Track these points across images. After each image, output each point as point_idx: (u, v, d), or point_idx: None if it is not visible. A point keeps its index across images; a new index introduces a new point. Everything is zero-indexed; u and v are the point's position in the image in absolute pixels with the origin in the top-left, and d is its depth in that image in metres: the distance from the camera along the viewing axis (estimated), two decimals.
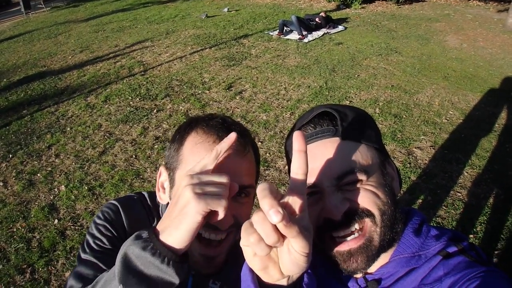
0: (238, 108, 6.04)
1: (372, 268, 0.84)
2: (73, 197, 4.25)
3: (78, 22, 13.05)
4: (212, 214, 0.70)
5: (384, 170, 0.87)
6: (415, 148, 4.83)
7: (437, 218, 3.72)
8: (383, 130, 5.20)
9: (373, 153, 0.85)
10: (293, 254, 0.57)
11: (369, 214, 0.79)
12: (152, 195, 1.11)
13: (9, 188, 4.49)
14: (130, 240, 0.71)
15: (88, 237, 1.00)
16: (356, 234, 0.80)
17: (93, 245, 0.97)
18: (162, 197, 0.99)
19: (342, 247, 0.80)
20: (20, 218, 3.99)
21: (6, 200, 4.27)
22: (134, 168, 4.70)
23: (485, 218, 3.70)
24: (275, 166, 4.59)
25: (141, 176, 4.53)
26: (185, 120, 1.05)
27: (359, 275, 0.86)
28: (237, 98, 6.39)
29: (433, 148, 4.82)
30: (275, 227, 0.54)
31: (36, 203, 4.20)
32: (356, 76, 7.08)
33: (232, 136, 0.76)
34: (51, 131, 5.67)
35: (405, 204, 3.87)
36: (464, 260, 0.76)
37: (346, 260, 0.80)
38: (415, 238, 0.84)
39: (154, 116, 5.93)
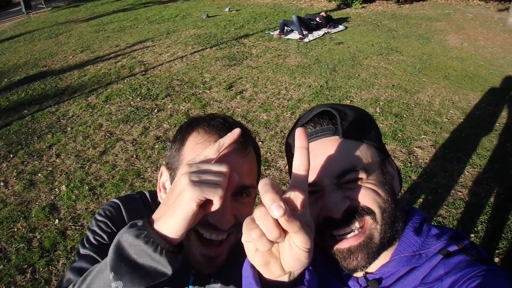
0: (238, 108, 6.04)
1: (373, 267, 0.84)
2: (73, 197, 4.25)
3: (79, 22, 13.06)
4: (208, 204, 0.69)
5: (384, 169, 0.87)
6: (416, 147, 4.83)
7: (438, 217, 3.71)
8: (384, 129, 5.20)
9: (373, 152, 0.85)
10: (294, 250, 0.57)
11: (370, 211, 0.79)
12: (153, 194, 1.11)
13: (10, 188, 4.49)
14: (124, 229, 0.70)
15: (88, 233, 1.00)
16: (356, 232, 0.80)
17: (93, 240, 0.97)
18: (163, 197, 0.99)
19: (342, 245, 0.80)
20: (21, 218, 3.99)
21: (6, 200, 4.27)
22: (135, 168, 4.70)
23: (486, 217, 3.69)
24: (276, 165, 4.59)
25: (141, 176, 4.53)
26: (186, 120, 1.05)
27: (359, 274, 0.86)
28: (238, 97, 6.39)
29: (434, 148, 4.82)
30: (277, 222, 0.54)
31: (37, 203, 4.20)
32: (356, 75, 7.08)
33: (236, 131, 0.76)
34: (52, 131, 5.67)
35: (406, 203, 3.87)
36: (464, 259, 0.76)
37: (346, 258, 0.80)
38: (416, 237, 0.84)
39: (155, 116, 5.93)
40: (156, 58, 8.59)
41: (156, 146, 5.12)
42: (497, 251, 3.33)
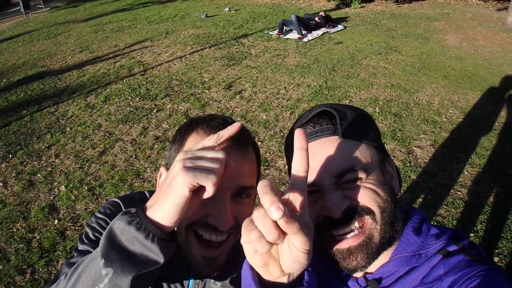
0: (238, 108, 6.04)
1: (373, 267, 0.84)
2: (73, 197, 4.25)
3: (78, 22, 13.05)
4: (201, 191, 0.68)
5: (384, 169, 0.87)
6: (415, 147, 4.83)
7: (438, 217, 3.72)
8: (383, 129, 5.20)
9: (372, 152, 0.85)
10: (293, 251, 0.57)
11: (369, 211, 0.79)
12: (153, 194, 1.10)
13: (9, 188, 4.49)
14: (118, 216, 0.70)
15: (87, 229, 0.99)
16: (356, 232, 0.80)
17: (92, 237, 0.97)
18: None
19: (342, 245, 0.80)
20: (20, 219, 3.99)
21: (6, 201, 4.27)
22: (134, 168, 4.70)
23: (486, 217, 3.70)
24: (275, 165, 4.59)
25: (141, 176, 4.53)
26: (185, 121, 1.05)
27: (359, 274, 0.86)
28: (237, 97, 6.39)
29: (433, 147, 4.82)
30: (276, 224, 0.54)
31: (36, 204, 4.20)
32: (355, 75, 7.08)
33: (236, 125, 0.75)
34: (51, 131, 5.67)
35: (405, 203, 3.87)
36: (464, 259, 0.76)
37: (345, 258, 0.80)
38: (415, 237, 0.84)
39: (154, 116, 5.93)
40: (155, 58, 8.59)
41: (156, 146, 5.11)
42: (496, 251, 3.33)
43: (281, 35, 9.67)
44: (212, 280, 0.96)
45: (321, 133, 0.85)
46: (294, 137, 0.62)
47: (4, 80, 7.99)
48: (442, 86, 6.54)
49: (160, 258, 0.67)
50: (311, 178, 0.81)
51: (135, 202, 1.08)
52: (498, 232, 3.52)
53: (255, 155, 0.98)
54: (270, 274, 0.63)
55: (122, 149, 5.10)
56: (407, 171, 4.36)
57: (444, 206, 3.86)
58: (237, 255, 0.94)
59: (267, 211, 0.52)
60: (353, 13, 12.09)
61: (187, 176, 0.64)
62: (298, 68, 7.50)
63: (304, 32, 9.58)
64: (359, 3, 12.62)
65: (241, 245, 0.62)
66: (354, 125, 0.85)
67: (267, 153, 4.81)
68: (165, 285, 0.98)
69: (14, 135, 5.67)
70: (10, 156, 5.11)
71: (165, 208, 0.66)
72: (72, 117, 6.09)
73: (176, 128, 1.13)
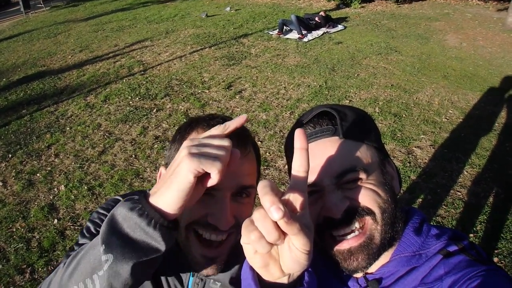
0: (237, 108, 6.04)
1: (373, 268, 0.84)
2: (72, 196, 4.25)
3: (78, 22, 13.05)
4: (206, 178, 0.68)
5: (384, 169, 0.87)
6: (415, 147, 4.84)
7: (437, 217, 3.72)
8: (383, 129, 5.20)
9: (372, 152, 0.85)
10: (294, 252, 0.57)
11: (370, 212, 0.79)
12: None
13: (9, 188, 4.48)
14: (120, 202, 0.69)
15: (88, 224, 0.99)
16: (357, 232, 0.80)
17: (93, 231, 0.97)
18: None
19: (342, 246, 0.80)
20: (20, 218, 3.99)
21: (5, 200, 4.26)
22: (134, 167, 4.69)
23: (485, 217, 3.70)
24: (275, 165, 4.59)
25: (140, 176, 4.52)
26: (185, 120, 1.05)
27: (359, 275, 0.86)
28: (237, 97, 6.39)
29: (433, 147, 4.82)
30: (276, 224, 0.53)
31: (36, 203, 4.20)
32: (355, 75, 7.08)
33: (243, 116, 0.74)
34: (51, 131, 5.66)
35: (405, 203, 3.88)
36: (464, 259, 0.76)
37: (346, 259, 0.80)
38: (416, 237, 0.84)
39: (154, 116, 5.93)
40: (155, 57, 8.58)
41: (155, 145, 5.11)
42: (496, 251, 3.33)
43: (281, 35, 9.67)
44: (212, 280, 0.96)
45: (322, 133, 0.85)
46: (294, 137, 0.62)
47: (4, 79, 7.99)
48: (442, 86, 6.54)
49: (161, 245, 0.67)
50: (311, 178, 0.81)
51: None
52: (497, 233, 3.52)
53: (255, 155, 0.98)
54: (270, 274, 0.63)
55: (121, 149, 5.10)
56: (407, 172, 4.36)
57: (444, 207, 3.86)
58: (237, 255, 0.94)
59: (267, 212, 0.52)
60: (353, 13, 12.09)
61: (192, 162, 0.63)
62: (298, 68, 7.50)
63: (304, 32, 9.58)
64: (359, 3, 12.62)
65: (241, 245, 0.62)
66: (354, 125, 0.85)
67: (267, 153, 4.81)
68: (165, 284, 0.98)
69: (13, 134, 5.67)
70: (10, 155, 5.11)
71: (169, 194, 0.65)
72: (72, 117, 6.09)
73: (176, 128, 1.13)
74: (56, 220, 3.92)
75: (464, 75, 7.00)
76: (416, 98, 6.14)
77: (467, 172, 4.37)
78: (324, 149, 0.83)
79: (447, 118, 5.52)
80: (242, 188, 0.89)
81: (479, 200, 3.94)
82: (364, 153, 0.83)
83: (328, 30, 10.02)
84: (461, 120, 5.46)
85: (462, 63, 7.61)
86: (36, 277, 3.28)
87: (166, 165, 0.96)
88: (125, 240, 0.65)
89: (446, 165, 4.47)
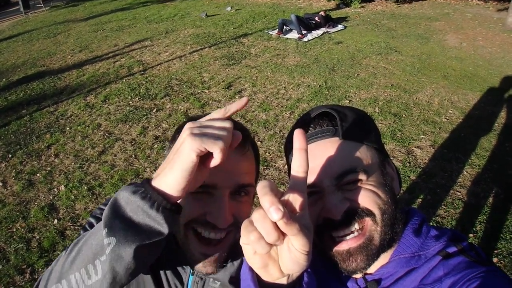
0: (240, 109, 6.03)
1: (372, 268, 0.84)
2: (72, 197, 4.25)
3: (77, 22, 13.04)
4: (209, 159, 0.68)
5: (384, 170, 0.87)
6: (415, 147, 4.84)
7: (437, 217, 3.72)
8: (383, 129, 5.20)
9: (372, 153, 0.86)
10: (293, 253, 0.57)
11: (370, 213, 0.79)
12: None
13: (9, 188, 4.48)
14: (122, 187, 0.69)
15: (90, 219, 1.00)
16: (356, 233, 0.80)
17: (95, 225, 0.96)
18: None
19: (342, 247, 0.80)
20: (20, 218, 3.99)
21: (5, 200, 4.26)
22: (134, 167, 4.69)
23: (485, 217, 3.70)
24: (275, 165, 4.59)
25: (140, 176, 4.52)
26: (184, 120, 1.05)
27: (358, 276, 0.86)
28: (237, 97, 6.39)
29: (432, 147, 4.82)
30: (275, 225, 0.53)
31: (36, 203, 4.20)
32: (355, 75, 7.08)
33: (244, 99, 0.73)
34: (51, 131, 5.66)
35: (405, 203, 3.88)
36: (464, 260, 0.76)
37: (345, 260, 0.80)
38: (415, 238, 0.84)
39: (154, 116, 5.93)
40: (154, 57, 8.58)
41: (155, 145, 5.11)
42: (495, 251, 3.33)
43: (281, 35, 9.67)
44: (212, 279, 0.96)
45: (322, 134, 0.85)
46: (294, 137, 0.62)
47: (4, 79, 7.99)
48: (442, 86, 6.54)
49: (164, 228, 0.66)
50: (311, 179, 0.81)
51: None
52: (497, 233, 3.52)
53: (253, 154, 0.98)
54: (269, 275, 0.63)
55: (121, 149, 5.09)
56: (406, 172, 4.36)
57: (444, 207, 3.86)
58: (237, 254, 0.94)
59: (267, 212, 0.52)
60: (353, 13, 12.09)
61: (194, 141, 0.63)
62: (298, 68, 7.50)
63: (304, 31, 9.58)
64: (359, 3, 12.62)
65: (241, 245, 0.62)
66: (354, 126, 0.85)
67: (267, 153, 4.81)
68: (165, 283, 0.98)
69: (13, 134, 5.67)
70: (10, 155, 5.11)
71: (172, 175, 0.65)
72: (72, 117, 6.08)
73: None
74: (56, 220, 3.92)
75: (464, 75, 7.00)
76: (416, 98, 6.14)
77: (466, 172, 4.37)
78: (324, 150, 0.83)
79: (447, 118, 5.52)
80: (240, 187, 0.89)
81: (478, 200, 3.94)
82: (364, 154, 0.83)
83: (328, 30, 10.02)
84: (461, 120, 5.46)
85: (462, 63, 7.61)
86: (36, 277, 3.28)
87: None
88: (128, 223, 0.65)
89: (445, 165, 4.47)
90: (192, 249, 0.89)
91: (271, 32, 9.98)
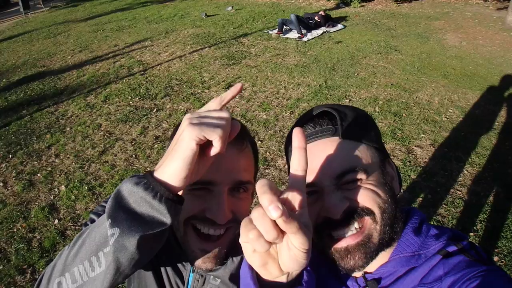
0: (237, 107, 6.04)
1: (372, 267, 0.84)
2: (73, 197, 4.25)
3: (77, 22, 13.03)
4: (209, 148, 0.68)
5: (384, 169, 0.87)
6: (415, 146, 4.84)
7: (437, 216, 3.72)
8: (383, 128, 5.20)
9: (372, 152, 0.86)
10: (292, 251, 0.57)
11: (369, 212, 0.79)
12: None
13: (9, 188, 4.49)
14: (125, 179, 0.70)
15: (92, 216, 1.00)
16: (355, 231, 0.80)
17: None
18: None
19: (340, 244, 0.80)
20: (20, 219, 3.99)
21: (6, 201, 4.27)
22: (134, 167, 4.70)
23: (485, 216, 3.70)
24: (275, 165, 4.59)
25: None
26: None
27: (358, 274, 0.86)
28: (237, 97, 6.38)
29: (433, 147, 4.82)
30: (274, 223, 0.53)
31: (36, 203, 4.20)
32: (355, 74, 7.08)
33: (238, 85, 0.74)
34: (51, 131, 5.66)
35: (405, 203, 3.88)
36: (464, 259, 0.76)
37: (343, 257, 0.80)
38: (415, 237, 0.84)
39: (154, 116, 5.93)
40: (154, 57, 8.58)
41: (155, 145, 5.11)
42: (496, 250, 3.33)
43: (280, 35, 9.66)
44: (212, 276, 0.97)
45: (322, 133, 0.85)
46: (293, 136, 0.62)
47: (4, 80, 7.98)
48: (442, 85, 6.54)
49: (167, 218, 0.67)
50: (311, 178, 0.81)
51: None
52: (498, 232, 3.52)
53: (252, 150, 0.99)
54: (268, 273, 0.64)
55: (122, 149, 5.10)
56: (407, 171, 4.36)
57: (444, 206, 3.86)
58: (237, 251, 0.94)
59: (266, 210, 0.52)
60: (353, 12, 12.08)
61: (193, 130, 0.64)
62: (298, 68, 7.50)
63: (303, 31, 9.58)
64: (359, 2, 12.61)
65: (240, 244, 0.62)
66: (354, 125, 0.85)
67: (267, 153, 4.81)
68: (166, 281, 0.98)
69: (14, 135, 5.67)
70: (10, 156, 5.11)
71: (173, 165, 0.66)
72: (72, 117, 6.09)
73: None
74: (56, 220, 3.93)
75: (464, 74, 6.99)
76: (416, 97, 6.14)
77: (467, 171, 4.37)
78: (324, 149, 0.83)
79: (447, 117, 5.52)
80: (239, 184, 0.90)
81: (479, 199, 3.94)
82: (364, 154, 0.83)
83: (328, 29, 10.02)
84: (461, 119, 5.46)
85: (462, 62, 7.61)
86: (37, 277, 3.27)
87: None
88: (131, 214, 0.66)
89: (446, 164, 4.47)
90: (191, 245, 0.90)
91: (271, 32, 9.98)
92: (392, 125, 5.30)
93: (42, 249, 3.57)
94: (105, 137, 5.42)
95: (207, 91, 6.69)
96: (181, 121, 0.99)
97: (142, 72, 7.71)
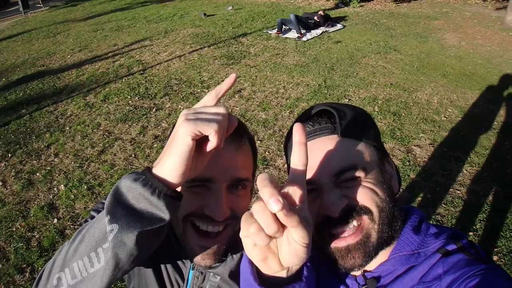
0: (237, 107, 6.04)
1: (371, 266, 0.84)
2: (72, 196, 4.25)
3: (77, 21, 13.02)
4: (205, 143, 0.68)
5: (383, 168, 0.87)
6: (414, 146, 4.84)
7: (437, 216, 3.72)
8: (382, 128, 5.21)
9: (371, 151, 0.86)
10: (293, 245, 0.57)
11: (367, 211, 0.79)
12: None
13: (8, 187, 4.48)
14: (124, 175, 0.70)
15: (92, 213, 1.00)
16: (354, 229, 0.80)
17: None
18: None
19: (340, 243, 0.80)
20: (20, 218, 3.99)
21: (5, 200, 4.26)
22: (134, 167, 4.69)
23: (485, 216, 3.70)
24: (274, 164, 4.59)
25: None
26: None
27: (358, 273, 0.86)
28: (236, 96, 6.39)
29: (432, 146, 4.83)
30: (275, 217, 0.53)
31: (36, 203, 4.19)
32: (354, 74, 7.08)
33: (232, 76, 0.74)
34: (50, 131, 5.66)
35: (404, 202, 3.88)
36: (463, 258, 0.76)
37: (344, 256, 0.80)
38: (415, 236, 0.84)
39: (153, 115, 5.93)
40: (154, 57, 8.58)
41: (155, 145, 5.11)
42: (495, 250, 3.34)
43: (280, 34, 9.66)
44: (212, 273, 0.97)
45: (321, 131, 0.85)
46: (293, 131, 0.62)
47: (3, 79, 7.97)
48: (441, 85, 6.54)
49: (165, 214, 0.67)
50: (310, 176, 0.81)
51: None
52: (497, 231, 3.53)
53: (250, 148, 0.99)
54: (269, 268, 0.64)
55: (121, 148, 5.09)
56: (406, 170, 4.36)
57: (443, 205, 3.86)
58: (237, 249, 0.95)
59: (266, 204, 0.52)
60: (352, 12, 12.09)
61: (188, 125, 0.64)
62: (297, 67, 7.50)
63: (303, 31, 9.58)
64: (358, 2, 12.62)
65: (241, 238, 0.62)
66: (353, 124, 0.85)
67: (266, 152, 4.81)
68: (166, 278, 0.99)
69: (13, 134, 5.66)
70: (9, 155, 5.10)
71: (170, 161, 0.66)
72: (71, 116, 6.08)
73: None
74: (56, 220, 3.92)
75: (463, 74, 7.00)
76: (415, 97, 6.14)
77: (466, 170, 4.37)
78: (323, 147, 0.83)
79: (446, 116, 5.52)
80: (237, 181, 0.90)
81: (478, 198, 3.94)
82: (363, 152, 0.83)
83: (327, 29, 10.02)
84: (460, 118, 5.47)
85: (461, 62, 7.61)
86: (36, 276, 3.28)
87: None
88: (130, 210, 0.66)
89: (445, 164, 4.48)
90: (190, 242, 0.90)
91: (270, 32, 9.98)
92: (391, 125, 5.30)
93: (41, 248, 3.57)
94: (105, 136, 5.42)
95: (206, 90, 6.68)
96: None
97: (142, 72, 7.71)
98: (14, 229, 3.84)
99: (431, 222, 3.56)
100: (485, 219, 3.66)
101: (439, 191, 4.06)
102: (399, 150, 4.76)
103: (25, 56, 9.42)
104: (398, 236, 0.85)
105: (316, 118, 0.88)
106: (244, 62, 7.94)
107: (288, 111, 5.81)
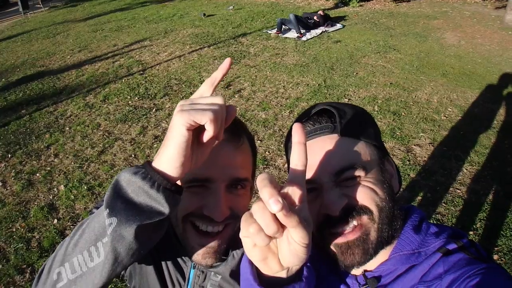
0: (237, 107, 6.01)
1: (372, 265, 0.84)
2: (72, 196, 4.25)
3: (76, 22, 13.02)
4: (202, 133, 0.68)
5: (383, 167, 0.87)
6: (414, 145, 4.84)
7: (437, 215, 3.72)
8: (382, 127, 5.21)
9: (371, 150, 0.86)
10: (292, 245, 0.57)
11: (367, 210, 0.79)
12: None
13: (8, 188, 4.48)
14: (124, 169, 0.70)
15: (93, 209, 1.00)
16: (353, 228, 0.80)
17: None
18: None
19: (340, 240, 0.80)
20: (20, 218, 3.98)
21: (5, 200, 4.26)
22: None
23: (485, 215, 3.70)
24: (274, 164, 4.59)
25: None
26: None
27: (358, 272, 0.86)
28: (236, 96, 6.39)
29: (432, 145, 4.83)
30: (275, 217, 0.53)
31: (35, 203, 4.19)
32: (354, 74, 7.08)
33: (227, 61, 0.73)
34: (50, 131, 5.66)
35: (404, 201, 3.88)
36: (464, 257, 0.75)
37: (343, 253, 0.80)
38: (415, 235, 0.84)
39: (153, 115, 5.93)
40: (154, 57, 8.57)
41: (155, 145, 5.11)
42: (496, 249, 3.34)
43: (279, 34, 9.66)
44: (213, 273, 0.97)
45: (321, 131, 0.85)
46: (292, 131, 0.62)
47: (3, 79, 7.97)
48: (441, 84, 6.54)
49: (165, 208, 0.67)
50: (310, 175, 0.81)
51: None
52: (497, 230, 3.53)
53: (249, 147, 0.98)
54: (268, 268, 0.63)
55: (121, 149, 5.09)
56: (406, 170, 4.36)
57: (444, 204, 3.86)
58: (238, 248, 0.94)
59: (266, 204, 0.52)
60: (352, 12, 12.09)
61: (183, 115, 0.64)
62: (297, 67, 7.50)
63: (302, 31, 9.58)
64: (358, 2, 12.62)
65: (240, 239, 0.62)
66: (353, 123, 0.85)
67: (266, 152, 4.81)
68: (167, 278, 0.99)
69: (13, 134, 5.66)
70: (9, 155, 5.10)
71: (167, 153, 0.66)
72: (71, 117, 6.08)
73: None
74: (56, 220, 3.92)
75: (463, 73, 7.00)
76: (415, 96, 6.14)
77: (466, 169, 4.37)
78: (323, 146, 0.83)
79: (446, 116, 5.52)
80: (236, 181, 0.90)
81: (478, 197, 3.94)
82: (363, 151, 0.83)
83: (327, 29, 10.02)
84: (460, 118, 5.47)
85: (460, 61, 7.61)
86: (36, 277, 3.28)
87: None
88: (129, 203, 0.66)
89: (445, 163, 4.48)
90: (191, 241, 0.90)
91: (270, 32, 9.98)
92: (391, 124, 5.30)
93: (41, 248, 3.57)
94: (104, 136, 5.41)
95: None
96: None
97: (141, 72, 7.70)
98: (14, 229, 3.84)
99: (432, 221, 3.56)
100: (485, 218, 3.66)
101: (439, 190, 4.06)
102: (399, 149, 4.76)
103: (25, 57, 9.41)
104: (398, 236, 0.85)
105: (316, 118, 0.88)
106: (244, 62, 7.94)
107: (288, 111, 5.81)
